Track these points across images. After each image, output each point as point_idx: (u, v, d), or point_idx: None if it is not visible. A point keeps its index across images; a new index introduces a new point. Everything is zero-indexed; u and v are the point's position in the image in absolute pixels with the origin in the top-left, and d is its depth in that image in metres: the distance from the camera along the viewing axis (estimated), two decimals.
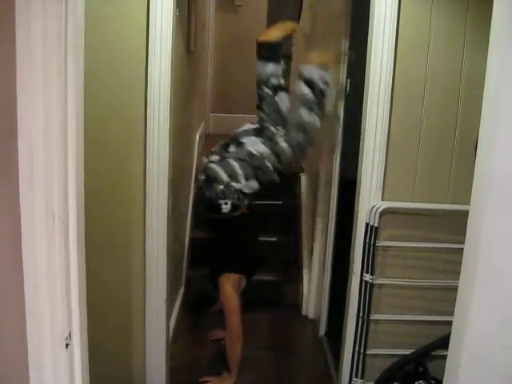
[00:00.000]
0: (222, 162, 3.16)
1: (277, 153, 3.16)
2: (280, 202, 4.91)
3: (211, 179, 3.16)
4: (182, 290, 4.30)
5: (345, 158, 3.60)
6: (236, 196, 3.13)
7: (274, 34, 3.46)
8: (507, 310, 1.40)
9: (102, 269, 2.54)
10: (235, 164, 3.12)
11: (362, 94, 2.79)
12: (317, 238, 4.18)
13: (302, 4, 5.84)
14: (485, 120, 1.38)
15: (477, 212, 1.40)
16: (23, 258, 1.26)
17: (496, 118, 1.32)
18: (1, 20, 1.20)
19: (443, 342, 2.50)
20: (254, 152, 3.13)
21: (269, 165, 3.14)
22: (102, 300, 2.47)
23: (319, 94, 3.13)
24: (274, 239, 4.63)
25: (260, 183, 3.15)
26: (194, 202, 4.72)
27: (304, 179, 4.97)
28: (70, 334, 1.37)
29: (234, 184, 3.11)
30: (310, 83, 3.12)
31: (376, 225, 2.75)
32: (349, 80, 3.50)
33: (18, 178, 1.22)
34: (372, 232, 2.76)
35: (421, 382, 2.78)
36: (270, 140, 3.17)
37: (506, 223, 1.34)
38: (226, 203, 3.15)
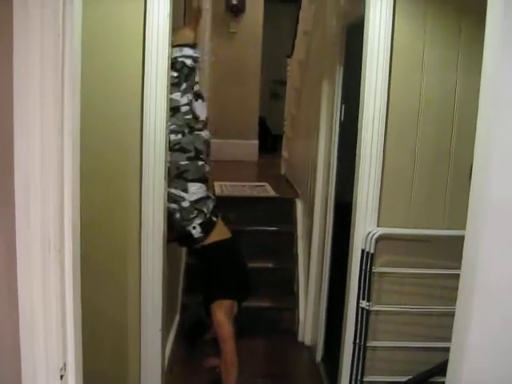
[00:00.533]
0: (168, 196, 3.15)
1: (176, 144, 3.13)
2: (276, 228, 4.91)
3: (168, 216, 3.15)
4: (177, 317, 4.28)
5: (340, 183, 3.61)
6: (195, 213, 3.16)
7: (190, 33, 3.27)
8: (505, 335, 1.40)
9: (98, 297, 2.54)
10: (171, 190, 3.13)
11: (357, 119, 2.81)
12: (312, 263, 4.18)
13: (296, 31, 5.92)
14: (479, 146, 1.39)
15: (472, 237, 1.40)
16: (18, 287, 1.25)
17: (490, 144, 1.34)
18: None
19: (441, 369, 2.48)
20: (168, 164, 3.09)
21: (184, 162, 3.13)
22: (98, 328, 2.46)
23: (183, 68, 3.09)
24: (270, 265, 4.62)
25: (194, 180, 3.15)
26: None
27: (300, 205, 4.98)
28: (64, 364, 1.36)
29: (183, 205, 3.14)
30: (172, 65, 2.99)
31: (372, 251, 2.75)
32: (343, 106, 3.52)
33: (14, 207, 1.21)
34: (368, 258, 2.76)
35: None
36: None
37: (501, 248, 1.35)
38: (194, 227, 3.17)
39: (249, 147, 7.50)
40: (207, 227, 3.23)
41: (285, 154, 6.51)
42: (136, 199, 2.75)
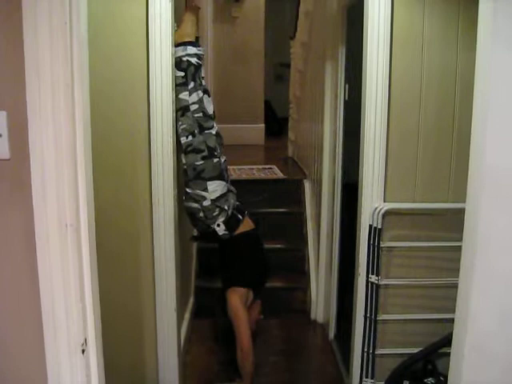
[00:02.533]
0: (186, 196, 3.25)
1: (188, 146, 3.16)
2: (285, 209, 4.96)
3: (191, 215, 3.32)
4: (191, 299, 4.34)
5: (347, 162, 3.64)
6: (217, 211, 3.21)
7: (191, 29, 3.24)
8: (506, 300, 1.45)
9: (112, 281, 2.59)
10: (189, 190, 3.20)
11: (361, 98, 2.84)
12: (322, 242, 4.23)
13: (298, 12, 5.92)
14: (476, 118, 1.44)
15: (472, 206, 1.45)
16: (38, 267, 1.32)
17: (485, 115, 1.38)
18: (11, 44, 1.27)
19: (450, 339, 2.53)
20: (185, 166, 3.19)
21: (199, 162, 3.16)
22: (113, 312, 2.51)
23: (189, 67, 3.08)
24: (280, 246, 4.67)
25: (212, 179, 3.18)
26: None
27: (307, 185, 5.02)
28: (85, 340, 1.42)
29: (204, 204, 3.19)
30: (177, 64, 3.03)
31: (379, 226, 2.79)
32: (347, 85, 3.55)
33: (31, 190, 1.27)
34: (376, 233, 2.80)
35: (430, 379, 2.80)
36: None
37: (499, 215, 1.39)
38: (218, 225, 3.23)
39: (255, 131, 7.53)
40: (232, 224, 3.29)
41: (291, 136, 6.53)
42: (146, 183, 2.81)
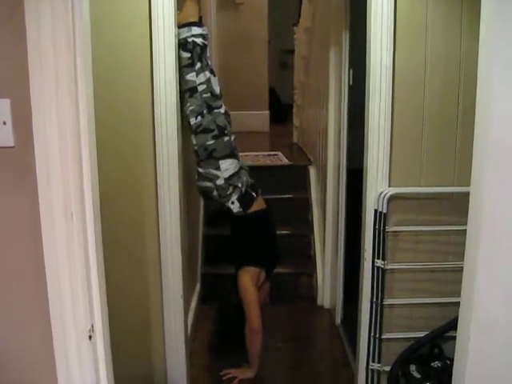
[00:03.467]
0: (199, 176, 3.27)
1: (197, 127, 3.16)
2: (290, 195, 4.97)
3: (205, 194, 3.36)
4: (198, 286, 4.36)
5: (351, 147, 3.64)
6: (230, 189, 3.22)
7: (194, 10, 3.19)
8: (511, 282, 1.45)
9: (118, 268, 2.61)
10: (201, 170, 3.22)
11: (365, 83, 2.83)
12: (328, 228, 4.24)
13: None
14: (480, 96, 1.44)
15: (477, 184, 1.45)
16: (44, 254, 1.33)
17: (489, 93, 1.38)
18: (14, 32, 1.27)
19: (456, 323, 2.53)
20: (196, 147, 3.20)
21: (210, 142, 3.16)
22: (119, 300, 2.53)
23: (194, 48, 3.06)
24: (287, 232, 4.68)
25: (224, 157, 3.19)
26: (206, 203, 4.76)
27: (312, 171, 5.02)
28: (92, 326, 1.43)
29: (218, 182, 3.20)
30: (182, 46, 3.02)
31: (384, 211, 2.79)
32: (351, 71, 3.54)
33: (36, 177, 1.28)
34: (381, 218, 2.80)
35: (437, 363, 2.81)
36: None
37: (503, 194, 1.40)
38: (233, 202, 3.24)
39: (260, 118, 7.52)
40: (246, 201, 3.30)
41: (296, 122, 6.53)
42: (151, 169, 2.81)
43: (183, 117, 3.07)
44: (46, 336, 1.41)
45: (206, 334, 3.91)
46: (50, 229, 1.32)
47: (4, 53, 1.31)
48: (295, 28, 6.47)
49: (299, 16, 6.15)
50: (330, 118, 4.04)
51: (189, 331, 3.27)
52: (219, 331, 3.97)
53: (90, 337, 1.42)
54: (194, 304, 4.03)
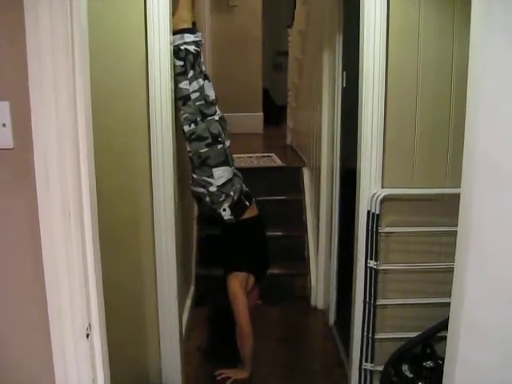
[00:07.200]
0: (193, 181, 3.29)
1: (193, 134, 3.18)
2: (284, 197, 4.99)
3: (198, 199, 3.39)
4: (192, 288, 4.38)
5: (345, 149, 3.67)
6: (222, 196, 3.25)
7: (187, 15, 3.17)
8: (498, 280, 1.48)
9: (114, 268, 2.60)
10: (195, 176, 3.25)
11: (358, 85, 2.85)
12: (321, 229, 4.26)
13: (295, 0, 5.92)
14: (470, 107, 1.48)
15: (466, 192, 1.48)
16: (43, 253, 1.35)
17: (478, 104, 1.42)
18: (12, 35, 1.29)
19: (448, 323, 2.56)
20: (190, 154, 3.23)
21: (204, 149, 3.18)
22: (116, 299, 2.54)
23: (187, 56, 3.07)
24: (280, 233, 4.70)
25: (217, 165, 3.21)
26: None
27: (306, 173, 5.04)
28: (89, 324, 1.45)
29: (211, 189, 3.23)
30: (175, 53, 3.02)
31: (377, 212, 2.81)
32: (345, 73, 3.57)
33: (35, 178, 1.30)
34: (374, 219, 2.83)
35: (429, 362, 2.83)
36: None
37: (491, 198, 1.43)
38: (224, 209, 3.26)
39: (254, 119, 7.54)
40: (237, 209, 3.32)
41: (290, 123, 6.55)
42: (146, 169, 2.83)
43: (178, 124, 3.09)
44: (43, 334, 1.43)
45: (200, 334, 3.92)
46: (49, 228, 1.34)
47: (3, 55, 1.33)
48: (289, 30, 6.49)
49: (293, 18, 6.17)
50: (324, 119, 4.06)
51: (183, 331, 3.28)
52: (212, 333, 3.98)
53: (88, 335, 1.44)
54: (188, 305, 4.04)
